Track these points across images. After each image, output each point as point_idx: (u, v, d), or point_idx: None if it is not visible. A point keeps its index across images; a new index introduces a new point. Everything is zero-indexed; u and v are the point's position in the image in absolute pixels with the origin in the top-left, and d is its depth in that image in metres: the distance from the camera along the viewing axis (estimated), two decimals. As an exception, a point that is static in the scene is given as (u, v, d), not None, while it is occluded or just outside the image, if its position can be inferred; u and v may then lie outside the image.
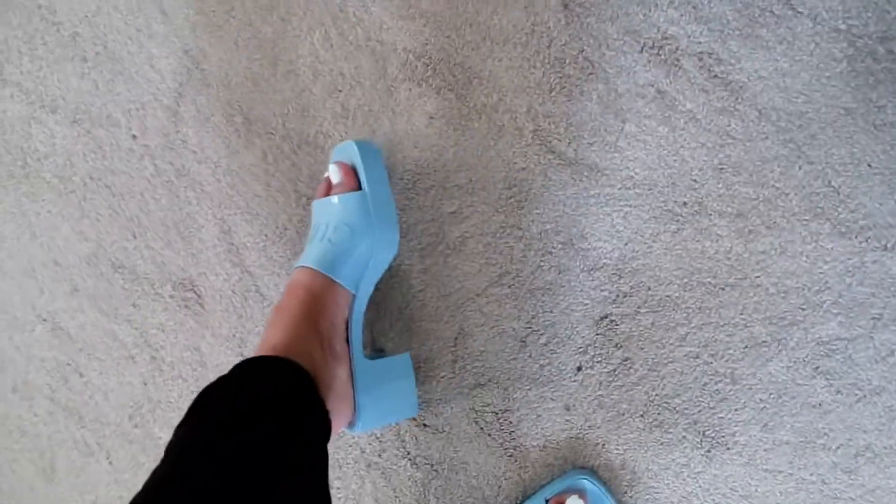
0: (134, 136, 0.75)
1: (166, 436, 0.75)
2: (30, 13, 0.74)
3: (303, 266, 0.61)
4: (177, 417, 0.75)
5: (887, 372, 0.63)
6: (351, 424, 0.61)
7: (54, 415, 0.77)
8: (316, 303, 0.58)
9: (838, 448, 0.65)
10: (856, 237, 0.63)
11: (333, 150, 0.68)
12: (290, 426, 0.46)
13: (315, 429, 0.49)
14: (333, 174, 0.64)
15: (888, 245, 0.62)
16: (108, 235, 0.75)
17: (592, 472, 0.69)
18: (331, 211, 0.63)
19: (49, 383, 0.77)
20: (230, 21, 0.71)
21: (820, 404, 0.66)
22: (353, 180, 0.64)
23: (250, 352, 0.73)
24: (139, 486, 0.76)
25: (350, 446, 0.71)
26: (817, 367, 0.66)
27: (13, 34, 0.75)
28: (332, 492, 0.71)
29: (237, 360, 0.73)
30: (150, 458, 0.75)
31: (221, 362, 0.73)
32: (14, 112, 0.77)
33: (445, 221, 0.70)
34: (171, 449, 0.44)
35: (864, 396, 0.64)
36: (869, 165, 0.62)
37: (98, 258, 0.76)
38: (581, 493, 0.66)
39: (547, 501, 0.66)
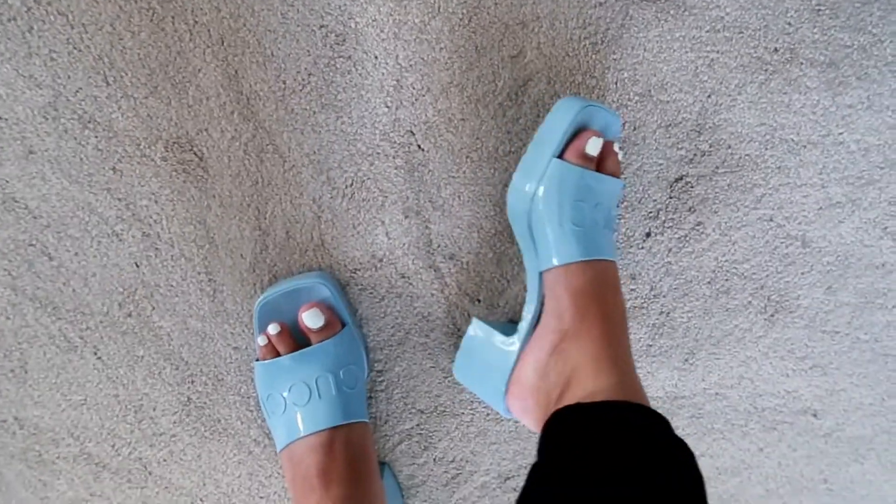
0: (94, -56, 0.56)
1: (168, 324, 0.63)
2: None
3: (319, 431, 0.57)
4: (182, 302, 0.64)
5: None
6: None
7: (19, 306, 0.63)
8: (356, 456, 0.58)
9: (894, 307, 0.66)
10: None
11: (267, 297, 0.60)
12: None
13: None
14: (314, 319, 0.58)
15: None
16: (69, 81, 0.59)
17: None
18: (325, 360, 0.59)
19: (7, 269, 0.62)
20: None
21: (883, 265, 0.65)
22: (336, 319, 0.60)
23: (270, 225, 0.61)
24: (137, 382, 0.66)
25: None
26: (886, 228, 0.64)
27: None
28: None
29: (255, 234, 0.61)
30: (150, 349, 0.64)
31: (234, 237, 0.61)
32: None
33: (506, 66, 0.59)
34: None
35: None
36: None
37: (58, 110, 0.59)
38: None
39: None
